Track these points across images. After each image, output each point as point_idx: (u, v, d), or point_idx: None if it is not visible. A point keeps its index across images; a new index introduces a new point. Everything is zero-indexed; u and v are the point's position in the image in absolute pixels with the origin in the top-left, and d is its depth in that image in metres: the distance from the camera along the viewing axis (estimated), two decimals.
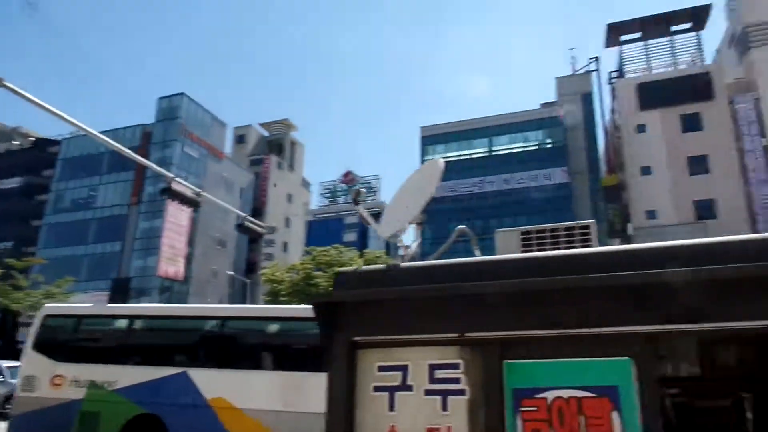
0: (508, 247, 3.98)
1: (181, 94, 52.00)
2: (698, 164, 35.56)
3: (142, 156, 47.75)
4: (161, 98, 52.26)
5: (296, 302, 27.30)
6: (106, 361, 9.12)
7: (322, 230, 63.81)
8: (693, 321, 2.03)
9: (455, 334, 2.38)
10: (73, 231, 49.65)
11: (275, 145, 70.61)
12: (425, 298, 2.40)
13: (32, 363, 9.44)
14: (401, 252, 3.05)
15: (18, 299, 33.85)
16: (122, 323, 9.91)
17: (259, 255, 59.36)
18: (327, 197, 73.66)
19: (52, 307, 10.83)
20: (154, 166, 14.94)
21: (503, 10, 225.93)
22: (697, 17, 40.14)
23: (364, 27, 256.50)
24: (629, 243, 34.89)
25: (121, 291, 45.51)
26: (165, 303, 45.36)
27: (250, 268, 58.14)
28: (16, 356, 37.17)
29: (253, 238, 57.39)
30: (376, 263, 31.92)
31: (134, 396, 8.56)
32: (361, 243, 57.93)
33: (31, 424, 8.98)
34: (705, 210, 34.39)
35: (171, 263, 47.91)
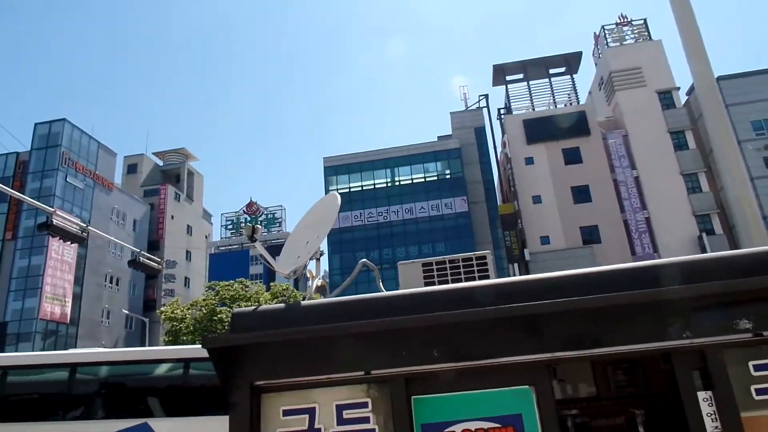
0: (410, 278, 4.04)
1: (63, 119, 48.14)
2: (581, 193, 38.97)
3: (17, 188, 43.70)
4: (39, 124, 48.04)
5: (199, 342, 25.83)
6: (52, 418, 8.13)
7: (226, 263, 61.33)
8: (586, 347, 2.16)
9: (361, 372, 2.33)
10: None
11: (171, 175, 67.46)
12: (329, 336, 2.34)
13: None
14: (310, 283, 2.99)
15: None
16: (67, 373, 8.62)
17: (158, 291, 55.65)
18: (230, 229, 71.16)
19: None
20: (28, 199, 13.62)
21: (405, 39, 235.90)
22: (571, 62, 45.35)
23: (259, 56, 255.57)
24: (527, 267, 37.14)
25: None
26: (50, 350, 41.09)
27: (149, 306, 54.23)
28: None
29: (151, 275, 54.05)
30: (283, 296, 31.25)
31: None
32: (268, 275, 56.36)
33: None
34: (590, 235, 37.62)
35: (55, 304, 44.00)
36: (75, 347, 37.22)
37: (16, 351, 40.69)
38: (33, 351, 41.14)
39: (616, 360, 3.06)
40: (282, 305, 2.64)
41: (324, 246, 3.36)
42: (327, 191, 54.26)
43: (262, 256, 3.14)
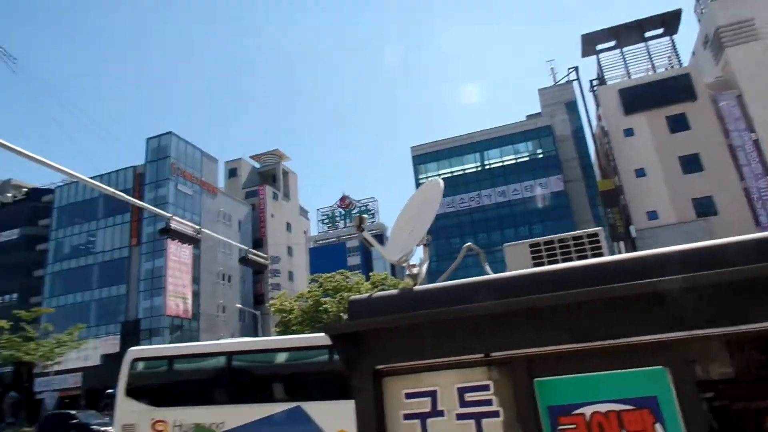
0: (517, 260, 3.95)
1: (169, 133, 52.26)
2: (691, 163, 35.85)
3: (137, 197, 48.13)
4: (150, 138, 52.52)
5: (308, 330, 27.20)
6: (207, 402, 8.79)
7: (325, 256, 63.74)
8: (725, 324, 1.99)
9: (481, 355, 2.32)
10: (77, 277, 49.50)
11: (268, 176, 70.91)
12: (446, 320, 2.34)
13: (127, 410, 9.15)
14: (407, 272, 3.03)
15: (30, 350, 33.76)
16: (220, 361, 9.35)
17: (265, 286, 59.22)
18: (326, 223, 73.74)
19: (138, 350, 10.49)
20: (151, 208, 14.95)
21: (480, 23, 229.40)
22: (669, 22, 41.12)
23: (342, 47, 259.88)
24: (633, 245, 34.91)
25: (131, 333, 45.22)
26: (177, 342, 45.17)
27: (258, 299, 58.00)
28: (35, 409, 36.79)
29: (258, 270, 57.46)
30: (382, 285, 31.92)
31: None
32: (366, 265, 57.82)
33: None
34: (705, 207, 34.55)
35: (178, 301, 48.22)
36: (198, 340, 40.57)
37: (150, 344, 45.13)
38: (163, 344, 45.40)
39: (756, 338, 2.79)
40: (396, 291, 2.68)
41: None
42: (417, 180, 54.41)
43: (368, 242, 3.21)
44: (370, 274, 35.82)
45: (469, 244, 3.95)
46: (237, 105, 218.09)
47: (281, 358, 9.14)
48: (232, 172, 68.72)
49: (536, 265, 3.68)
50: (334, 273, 33.31)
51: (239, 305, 51.21)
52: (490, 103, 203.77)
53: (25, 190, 58.71)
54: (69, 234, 52.18)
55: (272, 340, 10.14)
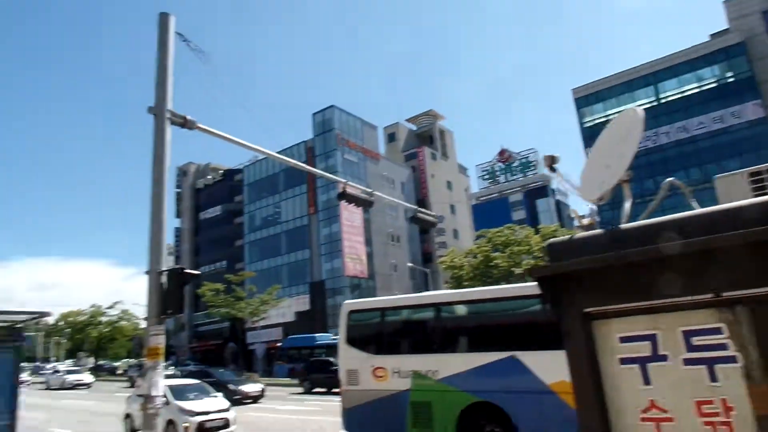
0: (732, 192, 3.51)
1: (332, 106, 55.37)
2: None
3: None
4: (315, 113, 56.27)
5: (478, 285, 27.50)
6: (423, 351, 9.09)
7: (488, 212, 63.16)
8: None
9: (709, 295, 2.10)
10: (269, 245, 56.20)
11: (425, 137, 71.69)
12: (662, 258, 2.15)
13: (349, 357, 9.78)
14: (576, 223, 2.83)
15: (241, 308, 39.72)
16: (432, 312, 9.46)
17: (432, 244, 61.02)
18: (486, 179, 72.56)
19: (353, 303, 10.90)
20: (329, 175, 16.14)
21: None
22: None
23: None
24: None
25: (318, 292, 50.42)
26: (357, 299, 48.88)
27: (427, 258, 60.11)
28: (248, 358, 43.27)
29: (425, 229, 59.28)
30: (553, 237, 30.59)
31: (462, 384, 8.29)
32: (531, 219, 56.12)
33: (364, 416, 9.27)
34: None
35: (355, 262, 52.06)
36: (375, 297, 43.54)
37: (334, 303, 49.77)
38: (373, 298, 49.51)
39: None
40: (600, 231, 2.52)
41: None
42: (582, 125, 50.63)
43: (565, 183, 3.07)
44: (539, 227, 34.60)
45: (670, 179, 3.58)
46: (388, 68, 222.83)
47: (493, 307, 8.98)
48: (391, 137, 70.85)
49: (758, 195, 3.21)
50: (501, 228, 32.88)
51: (410, 264, 53.55)
52: (659, 30, 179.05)
53: (221, 171, 67.52)
54: (258, 207, 59.00)
55: (483, 290, 9.97)
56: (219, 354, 52.00)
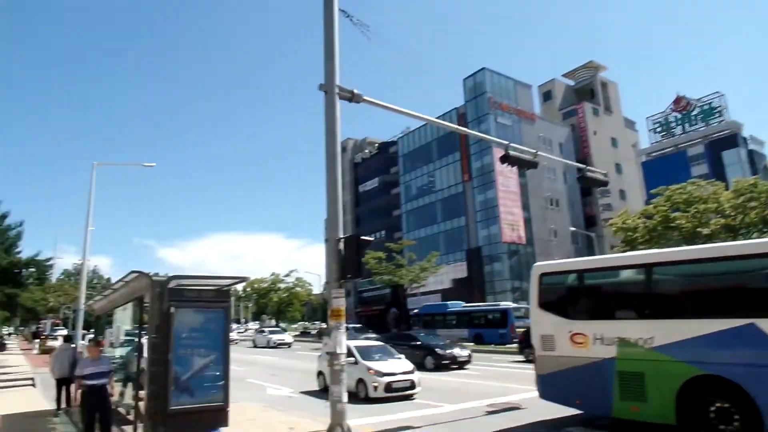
0: None
1: (483, 69, 53.80)
2: None
3: (462, 137, 51.94)
4: (466, 78, 55.15)
5: (655, 248, 25.09)
6: (632, 316, 8.23)
7: (661, 169, 56.73)
8: None
9: None
10: (425, 214, 57.42)
11: (585, 91, 66.53)
12: None
13: (543, 322, 9.28)
14: None
15: (401, 275, 41.52)
16: (644, 274, 8.23)
17: (596, 207, 57.11)
18: (659, 132, 64.98)
19: (544, 265, 10.09)
20: (489, 137, 15.82)
21: None
22: None
23: None
24: None
25: (474, 260, 50.49)
26: (515, 266, 48.31)
27: (590, 221, 56.58)
28: (407, 323, 45.47)
29: (586, 192, 55.54)
30: (751, 192, 26.40)
31: (684, 354, 7.24)
32: (715, 173, 49.19)
33: (561, 383, 8.79)
34: None
35: (512, 229, 51.12)
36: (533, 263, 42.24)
37: (491, 269, 49.37)
38: (502, 269, 48.99)
39: None
40: None
41: None
42: None
43: None
44: (734, 180, 29.90)
45: None
46: (541, 19, 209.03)
47: (727, 267, 7.52)
48: (547, 96, 67.01)
49: None
50: (684, 183, 29.16)
51: (572, 228, 50.73)
52: None
53: (377, 144, 70.11)
54: (413, 177, 60.28)
55: (706, 248, 8.18)
56: (382, 319, 54.92)
